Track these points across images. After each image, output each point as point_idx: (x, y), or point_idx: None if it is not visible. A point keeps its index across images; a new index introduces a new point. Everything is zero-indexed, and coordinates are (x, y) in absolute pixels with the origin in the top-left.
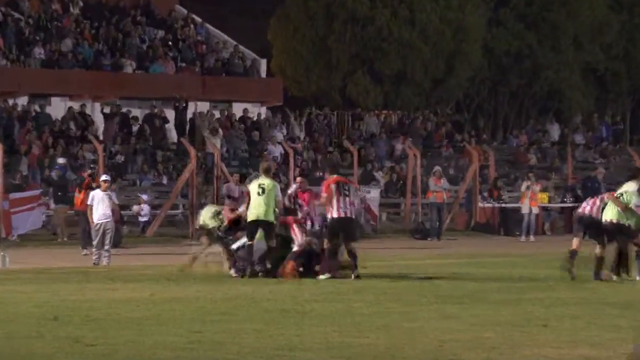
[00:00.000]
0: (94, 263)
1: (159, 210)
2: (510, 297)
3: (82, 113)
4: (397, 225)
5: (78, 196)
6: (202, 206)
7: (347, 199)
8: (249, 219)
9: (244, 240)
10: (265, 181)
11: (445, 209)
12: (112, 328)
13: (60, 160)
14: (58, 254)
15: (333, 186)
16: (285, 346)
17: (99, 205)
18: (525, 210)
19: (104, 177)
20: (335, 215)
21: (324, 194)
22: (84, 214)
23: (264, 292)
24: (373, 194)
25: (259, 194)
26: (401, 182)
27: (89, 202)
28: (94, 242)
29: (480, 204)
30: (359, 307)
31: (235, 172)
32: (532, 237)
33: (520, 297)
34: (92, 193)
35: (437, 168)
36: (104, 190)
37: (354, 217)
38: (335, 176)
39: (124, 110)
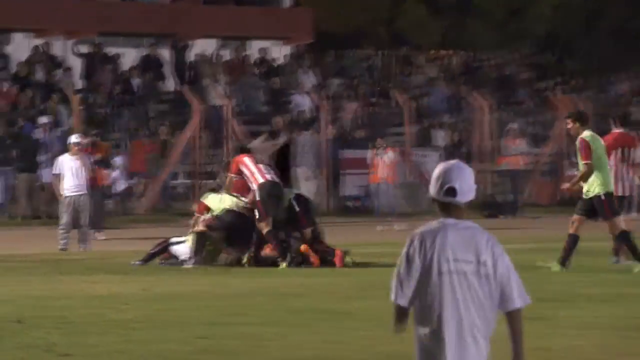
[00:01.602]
0: (61, 248)
1: (150, 180)
2: (609, 292)
3: (51, 54)
4: None
5: None
6: (209, 176)
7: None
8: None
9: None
10: None
11: (523, 177)
12: (92, 333)
13: (44, 120)
14: (21, 237)
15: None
16: (319, 357)
17: (69, 174)
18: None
19: (74, 139)
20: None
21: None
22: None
23: (291, 285)
24: (430, 159)
25: None
26: (466, 143)
27: (54, 171)
28: (62, 221)
29: (569, 172)
30: None
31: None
32: (634, 213)
33: (621, 292)
34: (59, 159)
35: (512, 125)
36: (75, 155)
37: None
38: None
39: (106, 50)
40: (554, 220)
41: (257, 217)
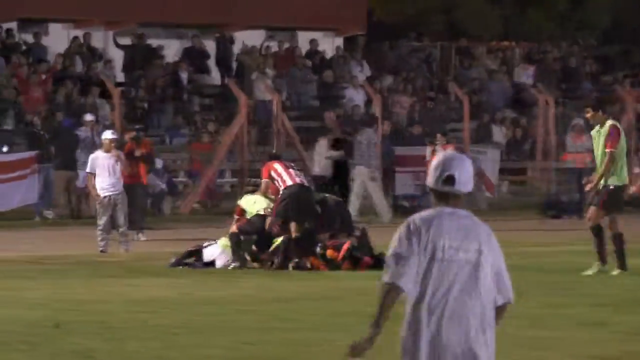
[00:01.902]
0: (101, 250)
1: (197, 179)
2: None
3: (90, 46)
4: (523, 198)
5: None
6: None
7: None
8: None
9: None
10: None
11: (589, 176)
12: (132, 339)
13: (89, 117)
14: (59, 238)
15: None
16: None
17: (104, 172)
18: None
19: (109, 135)
20: None
21: None
22: (131, 186)
23: (335, 289)
24: (490, 156)
25: None
26: (528, 139)
27: (88, 169)
28: (100, 222)
29: (637, 169)
30: None
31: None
32: None
33: None
34: (92, 156)
35: (578, 120)
36: (109, 151)
37: None
38: None
39: (148, 42)
40: (623, 221)
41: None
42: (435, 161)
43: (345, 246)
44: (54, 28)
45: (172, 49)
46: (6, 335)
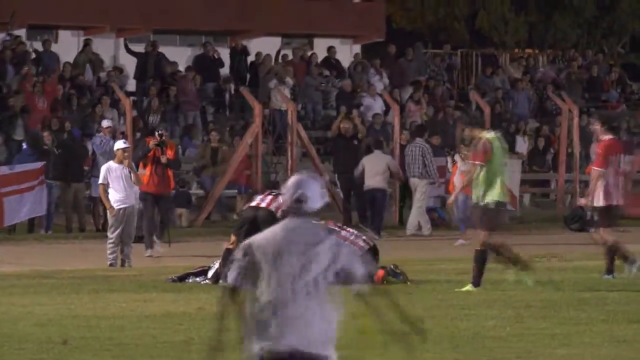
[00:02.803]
0: (110, 264)
1: (209, 190)
2: None
3: (101, 53)
4: (546, 211)
5: (143, 173)
6: (273, 186)
7: None
8: None
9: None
10: None
11: None
12: (144, 355)
13: (106, 123)
14: (68, 251)
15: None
16: None
17: (118, 184)
18: None
19: (121, 144)
20: None
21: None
22: (153, 196)
23: (356, 305)
24: (512, 168)
25: None
26: (552, 150)
27: (101, 180)
28: (111, 234)
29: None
30: (493, 327)
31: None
32: None
33: None
34: (105, 167)
35: None
36: (122, 162)
37: None
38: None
39: (160, 49)
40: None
41: None
42: (287, 183)
43: None
44: (64, 35)
45: (184, 57)
46: (16, 353)
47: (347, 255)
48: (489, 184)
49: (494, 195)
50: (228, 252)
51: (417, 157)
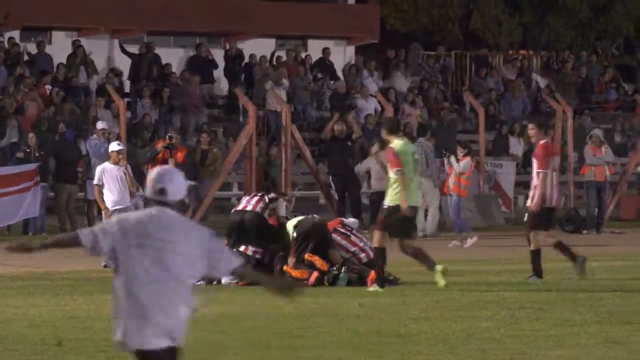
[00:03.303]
0: (105, 265)
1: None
2: None
3: (95, 54)
4: None
5: None
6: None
7: None
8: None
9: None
10: None
11: (608, 189)
12: None
13: (100, 125)
14: (62, 253)
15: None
16: None
17: (113, 185)
18: None
19: (115, 146)
20: None
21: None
22: None
23: (352, 306)
24: (506, 169)
25: None
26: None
27: (95, 181)
28: None
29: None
30: (487, 328)
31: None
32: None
33: None
34: (100, 168)
35: (597, 132)
36: (116, 163)
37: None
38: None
39: (154, 50)
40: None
41: None
42: (151, 175)
43: (313, 276)
44: (58, 36)
45: (179, 58)
46: (10, 355)
47: (209, 243)
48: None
49: (408, 201)
50: None
51: (420, 156)
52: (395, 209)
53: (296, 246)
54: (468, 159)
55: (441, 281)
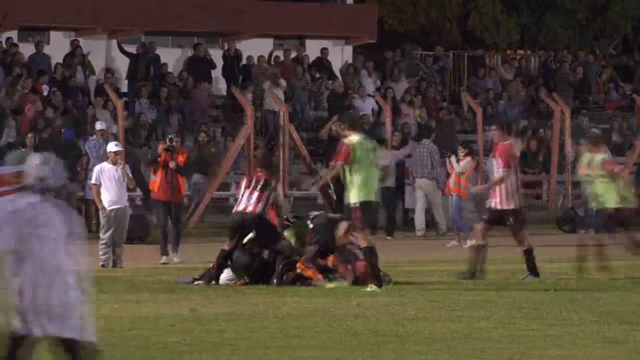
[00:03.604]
0: (102, 265)
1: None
2: None
3: (92, 54)
4: (538, 213)
5: (154, 179)
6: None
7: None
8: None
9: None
10: None
11: None
12: (136, 357)
13: (99, 126)
14: None
15: None
16: None
17: (110, 185)
18: None
19: (113, 147)
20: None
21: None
22: (164, 203)
23: (350, 306)
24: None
25: None
26: (544, 151)
27: (93, 181)
28: (103, 235)
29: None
30: (485, 328)
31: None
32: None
33: None
34: (97, 167)
35: (594, 131)
36: (114, 163)
37: None
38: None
39: (152, 50)
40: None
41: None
42: (30, 162)
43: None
44: (56, 37)
45: (177, 58)
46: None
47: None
48: (357, 185)
49: (360, 196)
50: (223, 253)
51: (425, 157)
52: (365, 204)
53: (310, 238)
54: (468, 159)
55: (370, 289)
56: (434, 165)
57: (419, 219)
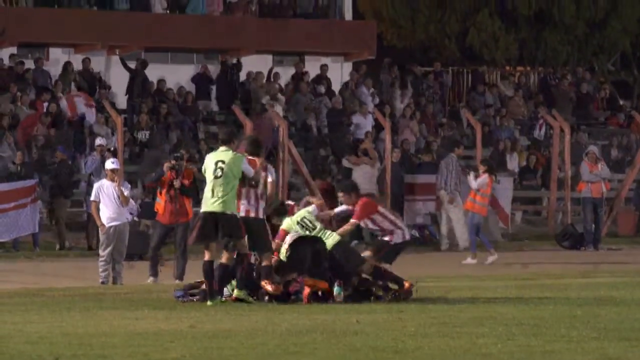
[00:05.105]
0: (102, 282)
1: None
2: None
3: (90, 70)
4: (537, 229)
5: (159, 201)
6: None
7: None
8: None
9: None
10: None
11: (604, 205)
12: None
13: (98, 141)
14: (59, 269)
15: None
16: None
17: (110, 201)
18: None
19: (111, 164)
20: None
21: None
22: (166, 227)
23: (349, 322)
24: (503, 185)
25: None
26: (543, 167)
27: (92, 198)
28: (102, 252)
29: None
30: (484, 344)
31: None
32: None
33: None
34: (97, 184)
35: (593, 148)
36: (113, 181)
37: None
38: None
39: (151, 67)
40: (638, 253)
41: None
42: None
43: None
44: (55, 53)
45: (176, 75)
46: None
47: None
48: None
49: (202, 207)
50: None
51: (452, 170)
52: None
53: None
54: (485, 176)
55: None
56: (460, 179)
57: (461, 233)
